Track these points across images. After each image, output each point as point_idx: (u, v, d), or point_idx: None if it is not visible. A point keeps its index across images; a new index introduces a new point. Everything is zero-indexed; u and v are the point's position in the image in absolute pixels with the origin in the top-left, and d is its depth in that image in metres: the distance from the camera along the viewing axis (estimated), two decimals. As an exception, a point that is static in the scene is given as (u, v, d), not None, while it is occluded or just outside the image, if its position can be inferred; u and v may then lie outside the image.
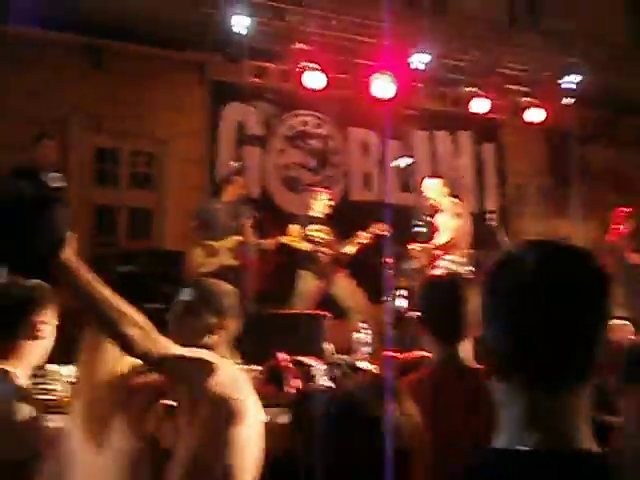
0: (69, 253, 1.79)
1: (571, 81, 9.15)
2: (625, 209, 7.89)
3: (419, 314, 2.33)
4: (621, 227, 7.77)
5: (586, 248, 1.11)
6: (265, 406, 3.60)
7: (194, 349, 2.19)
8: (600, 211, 9.84)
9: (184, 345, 2.23)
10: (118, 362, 2.47)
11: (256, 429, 2.30)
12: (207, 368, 2.13)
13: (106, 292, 1.86)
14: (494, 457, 0.99)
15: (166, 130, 8.34)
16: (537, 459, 0.95)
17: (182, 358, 2.09)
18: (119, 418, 2.42)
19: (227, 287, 2.49)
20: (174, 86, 8.22)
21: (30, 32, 7.38)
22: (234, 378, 2.22)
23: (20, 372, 2.35)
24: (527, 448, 0.96)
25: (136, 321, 1.91)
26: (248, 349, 4.48)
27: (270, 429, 3.31)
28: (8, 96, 7.47)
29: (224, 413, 2.15)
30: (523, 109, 9.25)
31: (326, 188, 8.54)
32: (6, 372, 2.31)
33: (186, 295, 2.40)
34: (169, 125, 8.29)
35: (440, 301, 2.27)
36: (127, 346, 1.93)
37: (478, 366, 2.27)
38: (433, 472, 1.93)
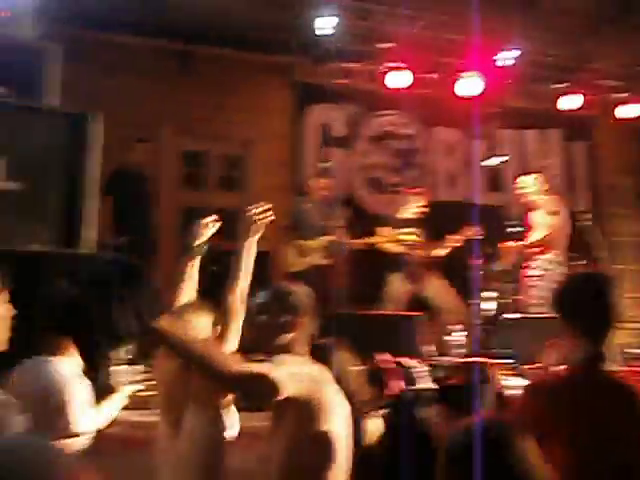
0: (164, 322, 2.08)
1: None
2: None
3: (564, 311, 2.24)
4: None
5: None
6: (366, 409, 3.56)
7: (280, 359, 2.27)
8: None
9: (260, 344, 2.32)
10: None
11: (343, 424, 2.32)
12: (294, 375, 2.22)
13: (189, 340, 2.18)
14: None
15: (252, 132, 8.41)
16: None
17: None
18: (194, 403, 2.54)
19: (300, 287, 2.58)
20: (260, 89, 8.28)
21: (121, 38, 7.59)
22: (313, 377, 2.28)
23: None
24: None
25: (224, 361, 2.17)
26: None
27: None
28: (101, 101, 7.69)
29: (308, 413, 2.16)
30: (615, 105, 8.92)
31: (413, 189, 8.45)
32: None
33: (260, 297, 2.51)
34: (255, 127, 8.36)
35: (590, 298, 2.18)
36: (220, 382, 2.27)
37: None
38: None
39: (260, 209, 2.73)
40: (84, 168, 4.40)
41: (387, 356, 3.56)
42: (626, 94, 8.82)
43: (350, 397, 2.69)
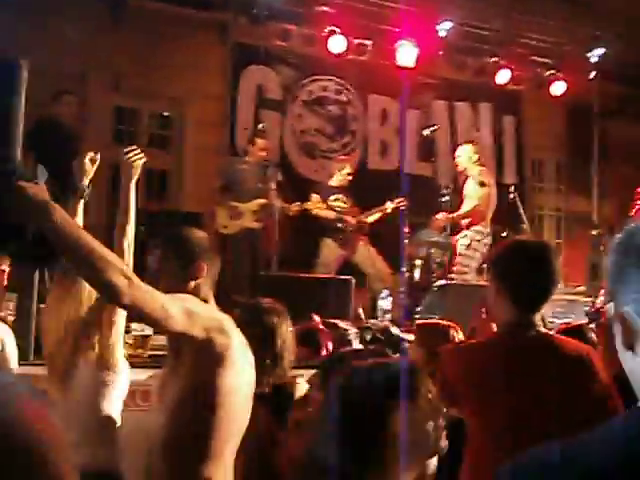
0: (41, 193, 1.68)
1: (595, 55, 9.01)
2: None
3: (496, 276, 2.27)
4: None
5: None
6: (299, 367, 3.59)
7: (179, 295, 2.13)
8: (620, 188, 9.78)
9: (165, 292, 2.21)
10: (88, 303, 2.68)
11: (246, 376, 2.19)
12: (191, 314, 2.04)
13: (89, 238, 1.74)
14: None
15: (185, 91, 8.22)
16: None
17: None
18: (84, 354, 2.56)
19: (199, 232, 2.42)
20: (196, 46, 8.07)
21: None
22: (219, 322, 2.13)
23: None
24: None
25: (122, 269, 1.79)
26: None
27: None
28: (26, 47, 7.34)
29: (209, 358, 2.07)
30: (546, 82, 9.12)
31: (345, 155, 8.48)
32: None
33: (157, 246, 2.38)
34: (189, 86, 8.17)
35: (525, 268, 2.20)
36: (113, 295, 1.81)
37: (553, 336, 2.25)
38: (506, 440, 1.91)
39: (133, 153, 2.76)
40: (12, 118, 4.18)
41: (322, 318, 3.58)
42: (554, 71, 9.03)
43: (280, 357, 2.70)
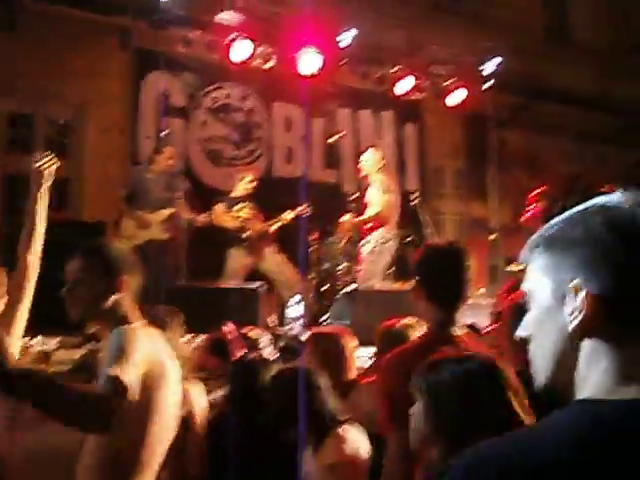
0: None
1: (490, 65, 9.38)
2: (539, 190, 8.18)
3: (418, 279, 2.34)
4: (535, 207, 8.06)
5: None
6: (209, 378, 3.56)
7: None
8: (515, 193, 10.21)
9: (88, 307, 2.16)
10: None
11: (176, 396, 2.20)
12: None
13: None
14: (596, 407, 0.94)
15: (85, 96, 8.00)
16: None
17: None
18: None
19: (120, 244, 2.40)
20: (97, 51, 7.87)
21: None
22: (154, 363, 2.10)
23: None
24: (631, 397, 0.93)
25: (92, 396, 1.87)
26: (185, 322, 4.38)
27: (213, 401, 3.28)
28: None
29: (145, 379, 2.05)
30: (445, 91, 9.41)
31: (249, 164, 8.48)
32: None
33: (75, 258, 2.26)
34: (88, 91, 7.95)
35: (442, 267, 2.29)
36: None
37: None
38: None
39: (45, 160, 2.65)
40: None
41: (231, 326, 3.56)
42: (453, 80, 9.34)
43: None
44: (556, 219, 1.05)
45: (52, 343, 3.80)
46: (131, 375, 1.93)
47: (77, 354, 4.07)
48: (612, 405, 0.93)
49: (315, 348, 3.29)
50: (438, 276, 2.30)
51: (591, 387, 0.98)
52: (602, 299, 0.96)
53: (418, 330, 3.05)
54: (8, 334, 2.49)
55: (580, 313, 0.98)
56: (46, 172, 2.65)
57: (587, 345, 0.99)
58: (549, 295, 1.02)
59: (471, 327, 2.94)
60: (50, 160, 2.66)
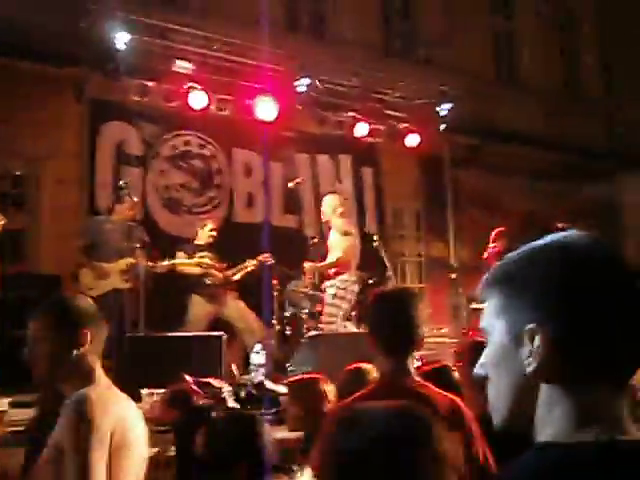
0: None
1: (444, 108, 9.58)
2: (499, 229, 8.30)
3: (369, 328, 2.32)
4: (495, 246, 8.16)
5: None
6: (167, 432, 3.48)
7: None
8: (473, 232, 10.35)
9: (51, 364, 2.10)
10: None
11: (140, 459, 2.15)
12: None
13: None
14: (557, 451, 0.93)
15: (40, 149, 7.93)
16: (605, 450, 0.91)
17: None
18: None
19: (82, 298, 2.29)
20: (50, 103, 7.82)
21: None
22: (119, 412, 2.08)
23: None
24: (590, 439, 0.92)
25: None
26: (147, 373, 4.31)
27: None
28: None
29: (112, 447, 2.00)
30: (400, 134, 9.57)
31: (209, 211, 8.47)
32: None
33: (34, 317, 2.19)
34: (43, 144, 7.89)
35: (388, 314, 2.27)
36: None
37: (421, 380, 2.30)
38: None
39: None
40: None
41: (193, 378, 3.50)
42: (407, 124, 9.51)
43: None
44: (511, 255, 1.03)
45: (4, 402, 3.66)
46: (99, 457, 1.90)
47: (30, 413, 3.95)
48: (572, 449, 0.92)
49: (294, 399, 3.27)
50: (384, 324, 2.27)
51: (551, 430, 0.96)
52: (558, 342, 0.95)
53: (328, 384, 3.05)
54: None
55: (536, 357, 0.96)
56: None
57: (545, 387, 0.98)
58: (504, 335, 1.01)
59: (441, 371, 2.91)
60: None
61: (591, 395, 0.95)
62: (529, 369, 0.97)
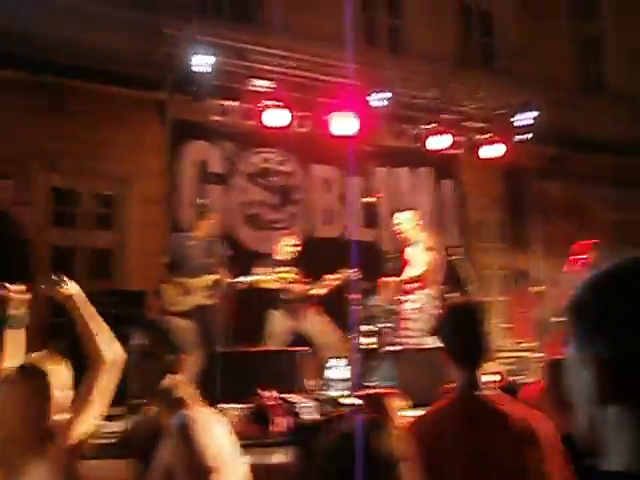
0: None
1: (525, 118, 9.37)
2: (591, 241, 8.02)
3: (442, 343, 2.30)
4: (586, 258, 7.88)
5: None
6: (252, 445, 3.50)
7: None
8: (558, 244, 10.04)
9: (146, 388, 2.12)
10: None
11: (238, 475, 2.17)
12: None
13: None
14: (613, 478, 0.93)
15: (126, 170, 8.24)
16: None
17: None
18: (36, 461, 2.24)
19: (183, 323, 2.34)
20: (134, 125, 8.13)
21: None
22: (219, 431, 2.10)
23: None
24: None
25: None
26: (227, 388, 4.36)
27: (261, 469, 3.21)
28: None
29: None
30: (479, 146, 9.41)
31: (288, 227, 8.55)
32: None
33: (139, 338, 2.22)
34: (129, 165, 8.19)
35: (457, 327, 2.25)
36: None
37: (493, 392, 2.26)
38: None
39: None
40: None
41: (272, 393, 3.52)
42: (488, 135, 9.35)
43: None
44: (584, 280, 1.02)
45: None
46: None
47: (120, 426, 4.05)
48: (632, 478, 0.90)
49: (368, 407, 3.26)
50: (454, 336, 2.26)
51: (619, 458, 0.94)
52: (616, 367, 0.94)
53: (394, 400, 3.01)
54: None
55: (595, 380, 0.96)
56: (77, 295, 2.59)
57: (614, 411, 0.95)
58: (574, 360, 1.01)
59: (508, 387, 2.83)
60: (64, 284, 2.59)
61: None
62: (590, 390, 0.97)
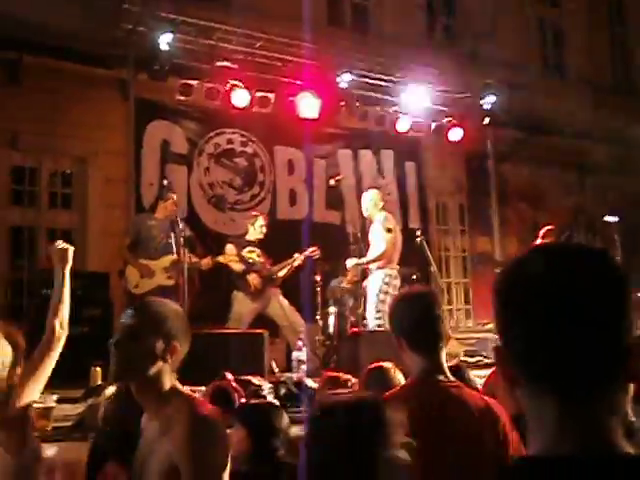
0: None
1: (488, 102, 9.46)
2: (548, 227, 8.18)
3: (396, 329, 2.31)
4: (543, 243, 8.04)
5: (600, 248, 1.10)
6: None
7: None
8: (518, 226, 10.22)
9: (128, 372, 2.08)
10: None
11: None
12: None
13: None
14: (532, 465, 0.97)
15: (87, 148, 8.11)
16: (576, 464, 0.94)
17: None
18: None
19: (174, 307, 2.24)
20: (96, 103, 7.99)
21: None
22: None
23: None
24: (564, 454, 0.95)
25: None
26: (186, 370, 4.36)
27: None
28: None
29: None
30: (443, 129, 9.48)
31: (252, 208, 8.53)
32: None
33: (129, 318, 2.13)
34: (90, 143, 8.06)
35: (419, 314, 2.27)
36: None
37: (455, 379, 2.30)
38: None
39: (61, 246, 2.74)
40: None
41: (230, 374, 3.55)
42: (451, 118, 9.42)
43: None
44: (506, 278, 1.09)
45: (51, 398, 3.76)
46: None
47: (77, 409, 4.04)
48: (549, 463, 0.96)
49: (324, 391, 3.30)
50: (410, 323, 2.27)
51: (538, 440, 1.01)
52: (514, 353, 1.03)
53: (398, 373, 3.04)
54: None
55: (502, 366, 1.05)
56: (70, 250, 2.76)
57: (527, 398, 1.03)
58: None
59: (457, 370, 2.88)
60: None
61: (564, 406, 0.98)
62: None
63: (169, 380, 2.08)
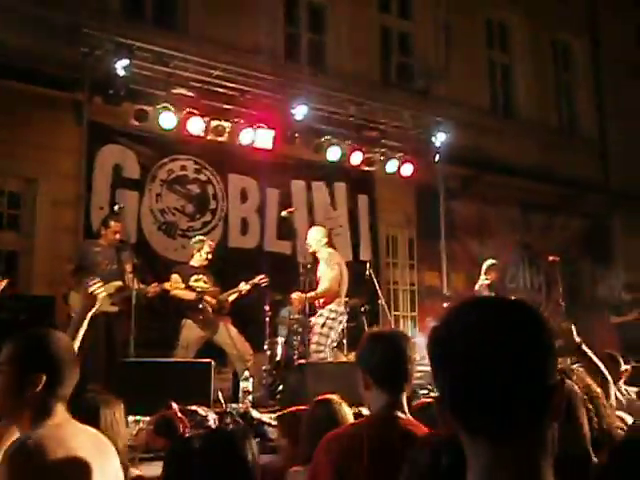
0: None
1: (438, 139, 9.69)
2: (490, 262, 8.38)
3: (363, 363, 2.36)
4: (487, 279, 8.23)
5: (522, 300, 1.17)
6: (156, 459, 3.49)
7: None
8: (466, 262, 10.41)
9: (13, 409, 2.06)
10: None
11: None
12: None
13: None
14: None
15: (36, 170, 8.00)
16: None
17: None
18: None
19: (59, 336, 2.18)
20: (49, 124, 7.91)
21: None
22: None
23: None
24: None
25: None
26: (132, 399, 4.32)
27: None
28: None
29: None
30: (394, 164, 9.63)
31: (204, 235, 8.51)
32: None
33: (6, 347, 2.08)
34: (40, 165, 7.96)
35: (392, 353, 2.33)
36: None
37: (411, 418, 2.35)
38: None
39: (97, 285, 2.84)
40: None
41: (175, 404, 3.52)
42: (403, 154, 9.60)
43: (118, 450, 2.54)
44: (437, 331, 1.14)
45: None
46: None
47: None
48: None
49: (283, 430, 3.33)
50: (380, 360, 2.33)
51: None
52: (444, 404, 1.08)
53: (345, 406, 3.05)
54: None
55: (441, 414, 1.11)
56: (100, 297, 2.82)
57: (465, 445, 1.08)
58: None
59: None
60: (101, 286, 2.86)
61: (492, 450, 1.04)
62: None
63: (42, 407, 2.03)
